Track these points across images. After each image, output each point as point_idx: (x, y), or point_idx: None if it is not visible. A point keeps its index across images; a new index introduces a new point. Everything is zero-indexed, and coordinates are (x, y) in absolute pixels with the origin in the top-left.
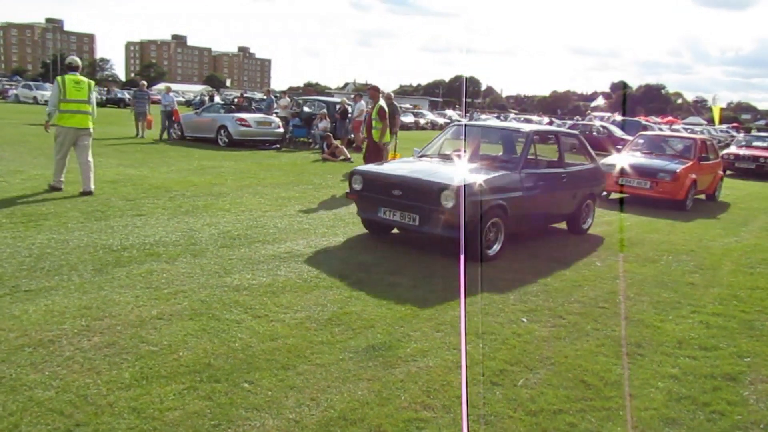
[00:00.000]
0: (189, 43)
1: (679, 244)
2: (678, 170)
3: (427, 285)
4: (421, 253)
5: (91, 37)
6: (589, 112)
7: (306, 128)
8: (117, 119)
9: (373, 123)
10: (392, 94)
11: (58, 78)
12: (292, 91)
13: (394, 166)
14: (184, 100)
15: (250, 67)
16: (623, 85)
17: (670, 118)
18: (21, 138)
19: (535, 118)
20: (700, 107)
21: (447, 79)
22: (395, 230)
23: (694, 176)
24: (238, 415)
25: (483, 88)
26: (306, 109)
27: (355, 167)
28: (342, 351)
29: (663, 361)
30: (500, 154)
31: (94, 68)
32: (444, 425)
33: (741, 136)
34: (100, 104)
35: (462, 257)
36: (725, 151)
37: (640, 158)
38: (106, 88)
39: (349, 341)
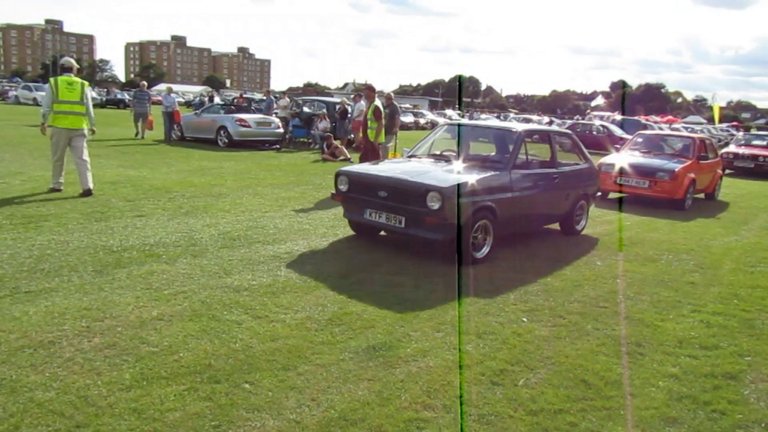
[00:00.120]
0: (188, 43)
1: (680, 243)
2: (676, 169)
3: (427, 285)
4: (422, 253)
5: (90, 38)
6: (588, 111)
7: (306, 128)
8: (117, 120)
9: (369, 123)
10: (392, 95)
11: (51, 79)
12: (291, 92)
13: (381, 167)
14: (183, 100)
15: (250, 67)
16: (623, 84)
17: (670, 117)
18: (21, 139)
19: (534, 117)
20: (699, 106)
21: (447, 79)
22: (383, 232)
23: (692, 175)
24: (239, 416)
25: (483, 87)
26: (306, 109)
27: (340, 167)
28: (342, 351)
29: (663, 361)
30: (490, 154)
31: (94, 69)
32: (444, 425)
33: (740, 134)
34: (100, 105)
35: (456, 258)
36: (724, 150)
37: (638, 157)
38: (105, 89)
39: (350, 341)
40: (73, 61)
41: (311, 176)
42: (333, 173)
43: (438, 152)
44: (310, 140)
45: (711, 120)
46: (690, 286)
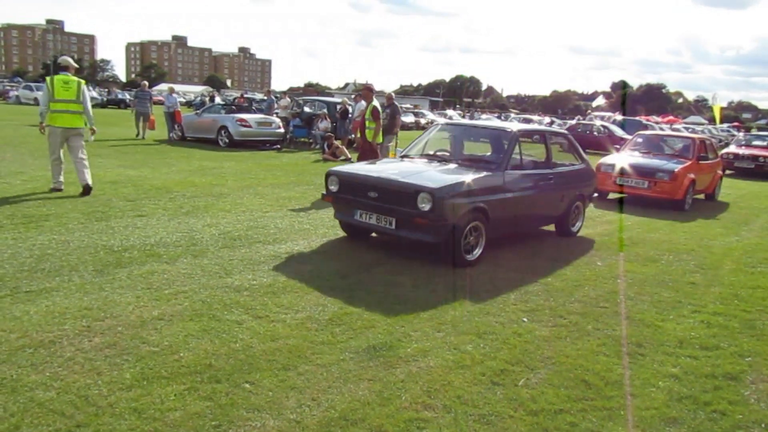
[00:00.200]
0: (189, 43)
1: (680, 243)
2: (676, 170)
3: (427, 285)
4: (422, 253)
5: (91, 38)
6: (589, 111)
7: (306, 128)
8: (118, 120)
9: (367, 123)
10: (393, 95)
11: (47, 78)
12: (292, 92)
13: (371, 167)
14: (184, 100)
15: (251, 67)
16: (623, 85)
17: (670, 117)
18: (22, 139)
19: (535, 117)
20: (700, 106)
21: (447, 79)
22: (374, 234)
23: (692, 176)
24: (239, 416)
25: (484, 87)
26: (306, 109)
27: (330, 167)
28: (343, 351)
29: (664, 361)
30: (484, 154)
31: (95, 69)
32: (445, 425)
33: (741, 135)
34: (101, 105)
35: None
36: (724, 151)
37: (638, 158)
38: (106, 89)
39: (350, 341)
40: (70, 60)
41: (312, 176)
42: None
43: (431, 152)
44: (310, 140)
45: (712, 120)
46: (691, 287)
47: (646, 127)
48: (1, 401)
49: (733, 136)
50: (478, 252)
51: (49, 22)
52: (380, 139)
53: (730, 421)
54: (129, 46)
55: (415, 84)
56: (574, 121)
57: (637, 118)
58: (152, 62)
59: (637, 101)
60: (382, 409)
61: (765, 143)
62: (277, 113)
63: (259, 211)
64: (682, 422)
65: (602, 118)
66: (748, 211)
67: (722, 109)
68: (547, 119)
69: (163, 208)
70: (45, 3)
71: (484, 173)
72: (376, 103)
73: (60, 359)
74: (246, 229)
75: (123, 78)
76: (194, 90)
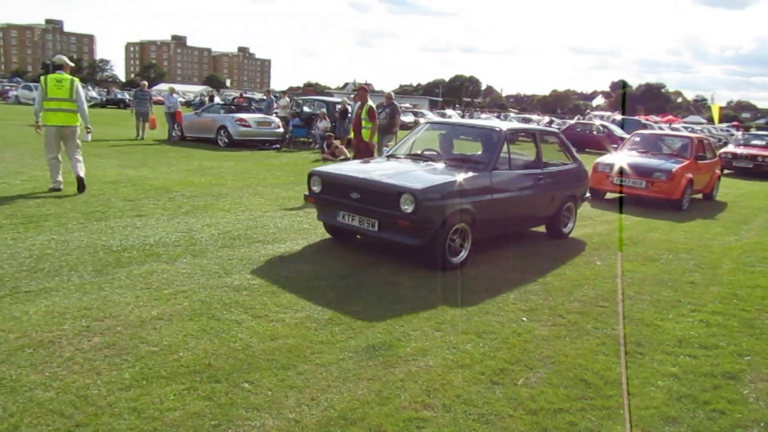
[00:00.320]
0: (189, 43)
1: (679, 242)
2: (674, 170)
3: (427, 284)
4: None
5: (90, 38)
6: (588, 111)
7: (306, 128)
8: (117, 120)
9: (363, 123)
10: (392, 94)
11: (41, 78)
12: (292, 91)
13: (355, 167)
14: (184, 100)
15: (250, 67)
16: (623, 84)
17: (670, 116)
18: (21, 139)
19: (534, 117)
20: (700, 106)
21: (447, 79)
22: (358, 236)
23: (690, 175)
24: (239, 415)
25: (483, 87)
26: (306, 109)
27: (313, 168)
28: (342, 351)
29: (663, 360)
30: (472, 154)
31: (94, 69)
32: (444, 424)
33: (739, 134)
34: (101, 105)
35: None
36: (723, 150)
37: (635, 157)
38: (106, 89)
39: (349, 341)
40: (65, 58)
41: None
42: None
43: (418, 152)
44: (310, 140)
45: (711, 120)
46: (690, 286)
47: (645, 126)
48: (0, 401)
49: (732, 135)
50: (463, 255)
51: (48, 22)
52: (376, 138)
53: (729, 420)
54: (128, 46)
55: (414, 84)
56: (573, 121)
57: (636, 117)
58: (152, 62)
59: (636, 101)
60: (381, 408)
61: (763, 143)
62: (276, 113)
63: (258, 210)
64: (681, 421)
65: (601, 117)
66: (747, 211)
67: (721, 108)
68: (546, 119)
69: (162, 207)
70: (44, 3)
71: (471, 173)
72: (371, 102)
73: (59, 359)
74: (245, 228)
75: (122, 78)
76: (193, 90)
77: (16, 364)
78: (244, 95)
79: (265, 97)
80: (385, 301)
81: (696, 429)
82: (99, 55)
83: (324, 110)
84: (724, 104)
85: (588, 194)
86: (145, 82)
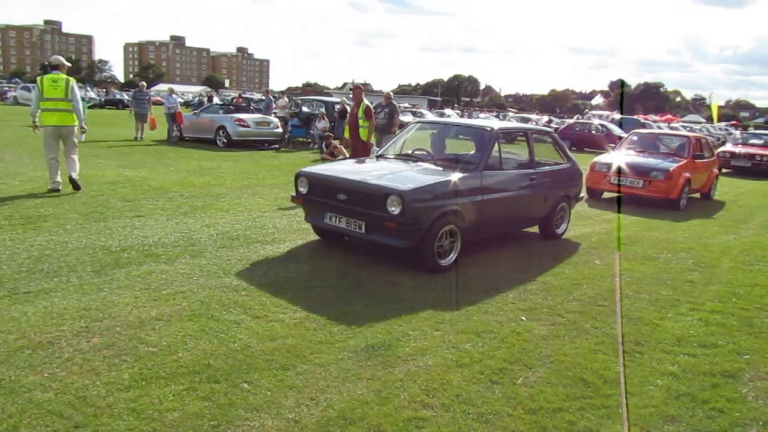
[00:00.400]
0: (187, 43)
1: (678, 242)
2: (671, 169)
3: (426, 284)
4: None
5: (89, 39)
6: (587, 110)
7: (305, 128)
8: (116, 121)
9: (360, 122)
10: (391, 94)
11: (38, 78)
12: (290, 91)
13: (342, 168)
14: (182, 100)
15: (249, 67)
16: (621, 83)
17: (669, 116)
18: (20, 140)
19: (533, 116)
20: (698, 105)
21: (445, 79)
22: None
23: (687, 175)
24: (238, 416)
25: (482, 87)
26: (305, 109)
27: (300, 168)
28: (341, 350)
29: (662, 359)
30: (462, 154)
31: (93, 70)
32: (443, 424)
33: (737, 133)
34: (99, 106)
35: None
36: (721, 149)
37: (633, 157)
38: (104, 90)
39: (348, 341)
40: (61, 58)
41: None
42: None
43: (408, 152)
44: (309, 140)
45: (710, 119)
46: (689, 285)
47: (644, 125)
48: None
49: (731, 134)
50: (452, 257)
51: (46, 22)
52: (374, 138)
53: (728, 418)
54: (127, 46)
55: (413, 84)
56: (572, 120)
57: (635, 116)
58: (150, 62)
59: (635, 100)
60: (380, 408)
61: (761, 142)
62: (275, 113)
63: (257, 211)
64: (680, 420)
65: (600, 117)
66: (746, 210)
67: (720, 107)
68: (545, 118)
69: (161, 208)
70: (43, 4)
71: (460, 174)
72: (367, 101)
73: (58, 360)
74: (244, 229)
75: (121, 78)
76: (192, 90)
77: (14, 365)
78: (243, 95)
79: (263, 98)
80: (384, 300)
81: (695, 428)
82: (97, 55)
83: (323, 110)
84: (722, 103)
85: (582, 194)
86: (144, 83)
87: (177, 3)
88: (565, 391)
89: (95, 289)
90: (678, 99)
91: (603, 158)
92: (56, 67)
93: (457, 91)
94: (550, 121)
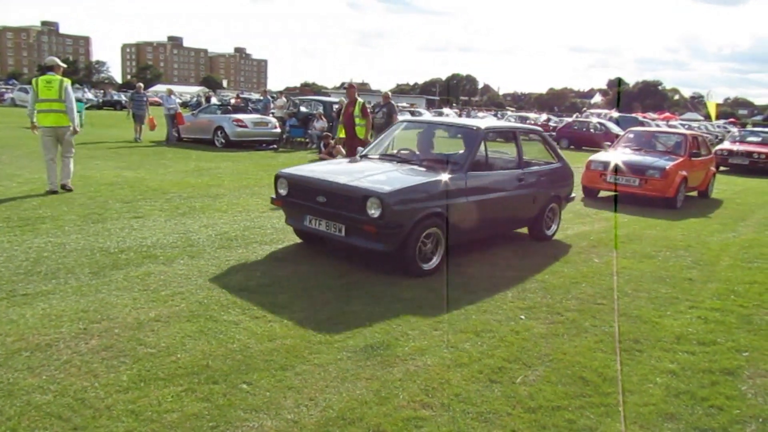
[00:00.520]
0: (185, 44)
1: (677, 240)
2: (667, 167)
3: (424, 283)
4: None
5: (86, 40)
6: (585, 109)
7: (303, 128)
8: (114, 122)
9: (357, 120)
10: (390, 93)
11: (33, 80)
12: (289, 92)
13: (322, 168)
14: (180, 101)
15: (247, 67)
16: (618, 82)
17: (667, 114)
18: (18, 141)
19: (532, 115)
20: (697, 103)
21: (444, 78)
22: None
23: (684, 173)
24: (237, 417)
25: (480, 86)
26: (303, 109)
27: (280, 170)
28: (340, 351)
29: (661, 357)
30: (447, 154)
31: (90, 71)
32: (443, 423)
33: (735, 131)
34: (97, 107)
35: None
36: (719, 147)
37: (629, 155)
38: (102, 91)
39: (348, 341)
40: (56, 59)
41: None
42: None
43: (392, 152)
44: (307, 140)
45: (708, 117)
46: (688, 283)
47: (642, 124)
48: None
49: (729, 132)
50: (436, 261)
51: (43, 23)
52: (371, 136)
53: (728, 416)
54: (124, 47)
55: (411, 83)
56: (571, 119)
57: (633, 114)
58: (148, 63)
59: (633, 98)
60: (379, 408)
61: (759, 139)
62: (273, 113)
63: (255, 211)
64: (679, 418)
65: (599, 115)
66: (744, 207)
67: (718, 105)
68: (543, 116)
69: (159, 209)
70: (40, 5)
71: (444, 175)
72: (362, 100)
73: (57, 362)
74: (243, 229)
75: (119, 79)
76: (190, 91)
77: (13, 367)
78: (241, 96)
79: (261, 98)
80: (383, 300)
81: (694, 425)
82: (95, 56)
83: (321, 110)
84: (721, 101)
85: (573, 195)
86: (141, 84)
87: (174, 3)
88: (565, 389)
89: (93, 290)
90: (676, 97)
91: (599, 157)
92: (51, 68)
93: (456, 91)
94: (548, 120)
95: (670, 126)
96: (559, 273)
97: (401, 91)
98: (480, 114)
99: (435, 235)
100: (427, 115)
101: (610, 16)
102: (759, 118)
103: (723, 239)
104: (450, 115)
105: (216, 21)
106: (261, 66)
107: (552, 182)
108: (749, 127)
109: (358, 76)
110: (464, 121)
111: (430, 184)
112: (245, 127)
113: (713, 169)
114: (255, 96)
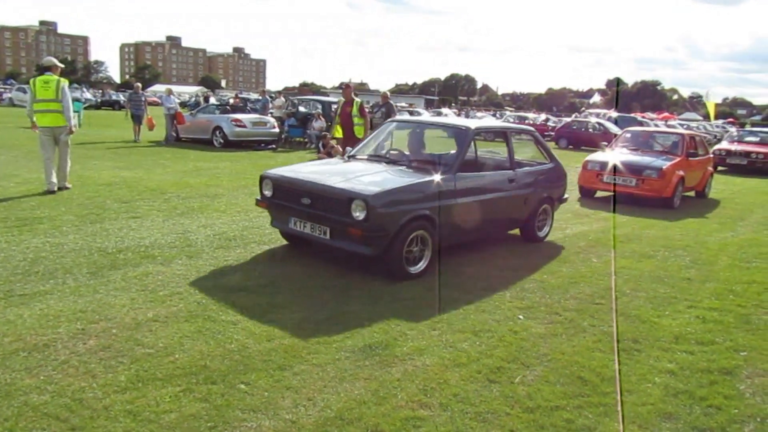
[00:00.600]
0: (183, 44)
1: (675, 239)
2: (664, 167)
3: (423, 283)
4: None
5: (85, 40)
6: (583, 109)
7: (302, 128)
8: (112, 122)
9: (355, 120)
10: (388, 93)
11: (31, 80)
12: (287, 91)
13: (308, 169)
14: (179, 101)
15: (245, 67)
16: (617, 82)
17: (666, 114)
18: (16, 141)
19: (531, 115)
20: (695, 103)
21: (443, 78)
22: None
23: (681, 173)
24: (235, 417)
25: (479, 85)
26: (301, 108)
27: (266, 170)
28: (338, 350)
29: (660, 357)
30: (436, 154)
31: (89, 71)
32: (441, 423)
33: (733, 131)
34: (95, 107)
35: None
36: (717, 147)
37: (626, 155)
38: (100, 91)
39: (346, 340)
40: (54, 60)
41: None
42: None
43: (381, 153)
44: (306, 140)
45: (706, 117)
46: (686, 282)
47: (641, 123)
48: None
49: (728, 132)
50: (423, 264)
51: (42, 23)
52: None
53: (726, 415)
54: (123, 47)
55: (410, 83)
56: (570, 119)
57: (632, 114)
58: (146, 63)
59: (632, 98)
60: (378, 408)
61: (757, 139)
62: (271, 113)
63: (254, 211)
64: (677, 417)
65: (597, 115)
66: (743, 207)
67: (717, 105)
68: (542, 117)
69: (157, 209)
70: (38, 4)
71: (432, 176)
72: (359, 99)
73: (54, 362)
74: (241, 229)
75: (117, 79)
76: (189, 90)
77: (10, 368)
78: (240, 95)
79: (260, 98)
80: (381, 300)
81: (693, 425)
82: (93, 56)
83: (319, 110)
84: (719, 101)
85: (566, 196)
86: (139, 84)
87: (173, 3)
88: (563, 389)
89: (91, 290)
90: (675, 97)
91: (595, 157)
92: (49, 68)
93: (455, 90)
94: (547, 120)
95: (668, 126)
96: (557, 273)
97: (400, 91)
98: (479, 114)
99: (422, 238)
100: (426, 115)
101: (609, 16)
102: (758, 117)
103: (721, 239)
104: (449, 115)
105: (214, 21)
106: (259, 66)
107: (544, 183)
108: (748, 127)
109: (357, 76)
110: (454, 120)
111: (418, 185)
112: (244, 127)
113: (711, 169)
114: (254, 96)
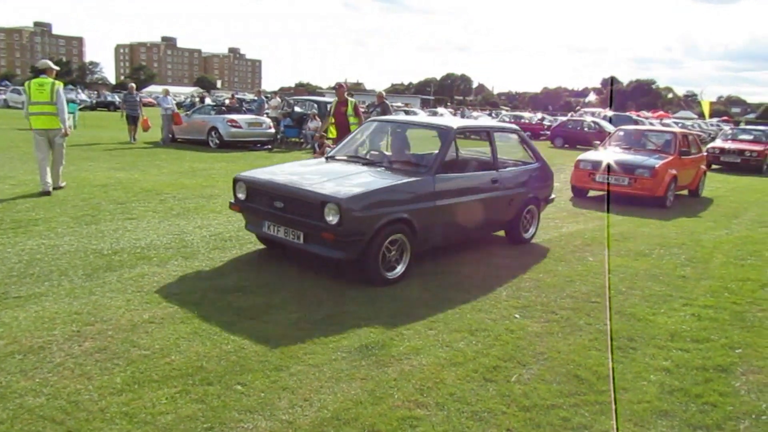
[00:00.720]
0: (179, 44)
1: (670, 237)
2: (657, 166)
3: (420, 283)
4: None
5: (80, 41)
6: (579, 108)
7: (297, 128)
8: (108, 123)
9: (350, 119)
10: (384, 93)
11: (25, 83)
12: (283, 92)
13: (282, 171)
14: (174, 101)
15: (241, 68)
16: (611, 81)
17: (661, 112)
18: (11, 143)
19: (526, 114)
20: (690, 101)
21: (438, 77)
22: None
23: (674, 172)
24: (231, 418)
25: (474, 85)
26: (297, 109)
27: (239, 173)
28: (335, 351)
29: (655, 354)
30: (417, 155)
31: (84, 72)
32: (437, 423)
33: (727, 128)
34: (90, 108)
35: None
36: (710, 145)
37: (618, 154)
38: (96, 92)
39: (342, 341)
40: (49, 62)
41: None
42: None
43: (360, 153)
44: (301, 140)
45: (701, 115)
46: (681, 280)
47: (636, 122)
48: None
49: (722, 130)
50: (401, 269)
51: (36, 24)
52: None
53: (721, 412)
54: (118, 47)
55: (406, 83)
56: (565, 118)
57: (627, 113)
58: (142, 64)
59: (627, 97)
60: (374, 408)
61: (751, 137)
62: (267, 113)
63: None
64: (673, 415)
65: (593, 114)
66: (737, 205)
67: (712, 103)
68: (538, 116)
69: (153, 210)
70: (33, 5)
71: (410, 178)
72: (353, 99)
73: (50, 365)
74: (237, 230)
75: (112, 80)
76: (184, 91)
77: (5, 370)
78: (236, 96)
79: (256, 98)
80: (378, 300)
81: (688, 422)
82: (88, 57)
83: (315, 110)
84: (714, 100)
85: (553, 196)
86: (133, 85)
87: (168, 3)
88: (559, 387)
89: (87, 292)
90: (670, 96)
91: (588, 156)
92: (44, 71)
93: (451, 90)
94: (542, 119)
95: (663, 124)
96: (553, 272)
97: (396, 90)
98: (474, 113)
99: (400, 242)
100: (422, 115)
101: (604, 15)
102: (752, 116)
103: (716, 237)
104: (445, 115)
105: (209, 21)
106: (255, 66)
107: (530, 183)
108: (742, 125)
109: (354, 76)
110: (435, 120)
111: (394, 187)
112: (239, 127)
113: (704, 167)
114: (249, 96)
